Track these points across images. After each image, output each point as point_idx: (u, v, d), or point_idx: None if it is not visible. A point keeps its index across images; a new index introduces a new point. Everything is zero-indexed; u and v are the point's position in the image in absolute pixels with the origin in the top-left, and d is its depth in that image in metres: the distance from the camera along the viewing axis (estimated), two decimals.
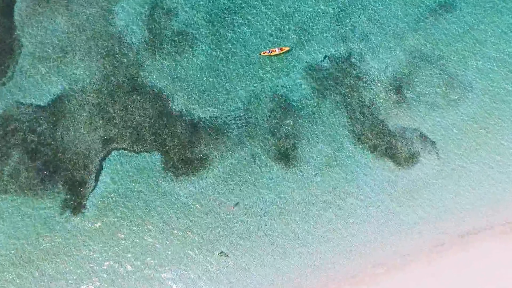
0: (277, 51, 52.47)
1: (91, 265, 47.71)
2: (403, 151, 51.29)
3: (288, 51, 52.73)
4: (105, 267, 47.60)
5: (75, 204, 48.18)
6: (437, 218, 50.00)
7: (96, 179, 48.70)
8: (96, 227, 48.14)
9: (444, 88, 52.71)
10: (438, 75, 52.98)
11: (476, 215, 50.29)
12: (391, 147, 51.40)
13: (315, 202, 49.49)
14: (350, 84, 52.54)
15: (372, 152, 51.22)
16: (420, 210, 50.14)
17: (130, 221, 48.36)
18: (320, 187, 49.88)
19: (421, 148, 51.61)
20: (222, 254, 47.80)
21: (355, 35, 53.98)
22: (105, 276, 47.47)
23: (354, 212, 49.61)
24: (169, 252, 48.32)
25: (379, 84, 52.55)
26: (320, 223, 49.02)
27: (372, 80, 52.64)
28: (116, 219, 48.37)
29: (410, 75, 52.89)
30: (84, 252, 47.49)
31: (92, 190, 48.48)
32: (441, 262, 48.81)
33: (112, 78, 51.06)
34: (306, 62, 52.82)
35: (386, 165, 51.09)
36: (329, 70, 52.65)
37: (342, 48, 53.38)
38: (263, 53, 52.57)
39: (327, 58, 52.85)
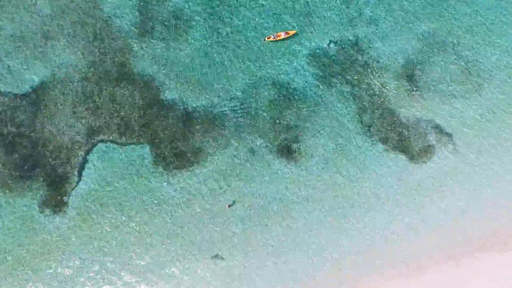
0: (283, 35, 50.14)
1: (73, 267, 45.72)
2: (417, 144, 49.23)
3: (295, 34, 50.42)
4: (89, 270, 45.81)
5: (56, 201, 46.43)
6: (451, 221, 48.26)
7: (80, 175, 46.85)
8: (79, 226, 46.42)
9: (460, 76, 50.61)
10: (454, 62, 50.77)
11: (495, 219, 48.34)
12: (404, 139, 49.35)
13: (319, 200, 48.06)
14: (358, 71, 50.39)
15: (382, 145, 49.22)
16: (434, 212, 48.44)
17: (117, 220, 46.72)
18: (325, 183, 48.29)
19: (436, 141, 49.58)
20: (217, 257, 46.47)
21: (363, 18, 51.60)
22: (89, 279, 45.64)
23: (362, 211, 48.13)
24: (159, 255, 46.63)
25: (389, 72, 50.40)
26: (325, 222, 47.61)
27: (382, 67, 50.45)
28: (101, 218, 46.67)
29: (423, 62, 50.64)
30: (66, 253, 45.84)
31: (75, 186, 46.61)
32: (453, 271, 47.32)
33: (98, 64, 49.02)
34: (309, 47, 50.72)
35: (398, 159, 49.10)
36: (335, 57, 50.60)
37: (349, 32, 51.09)
38: (268, 38, 50.33)
39: (332, 44, 50.70)
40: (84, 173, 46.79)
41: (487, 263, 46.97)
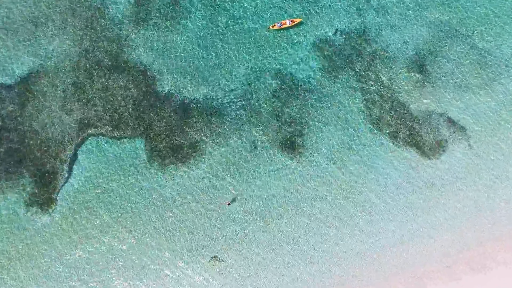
0: (288, 23, 49.28)
1: (59, 271, 43.43)
2: (428, 139, 47.88)
3: (300, 22, 49.48)
4: (76, 274, 43.43)
5: (44, 199, 44.64)
6: (463, 224, 46.36)
7: (70, 170, 45.24)
8: (67, 226, 44.28)
9: (474, 68, 49.43)
10: (467, 53, 49.62)
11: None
12: (414, 134, 47.94)
13: (325, 198, 46.06)
14: (365, 61, 49.17)
15: (392, 140, 47.68)
16: (449, 210, 46.53)
17: (108, 219, 44.65)
18: (331, 180, 46.34)
19: (449, 136, 48.18)
20: (216, 259, 44.51)
21: (371, 6, 50.42)
22: (75, 285, 43.11)
23: (370, 210, 46.09)
24: (153, 257, 44.35)
25: (399, 63, 49.28)
26: (331, 223, 45.67)
27: (391, 57, 49.29)
28: (91, 217, 44.63)
29: (435, 51, 49.71)
30: (52, 255, 43.59)
31: (65, 182, 44.96)
32: (469, 279, 45.29)
33: (90, 54, 47.84)
34: (315, 36, 49.47)
35: (409, 155, 47.50)
36: (342, 46, 49.37)
37: (356, 21, 49.99)
38: (272, 27, 49.31)
39: (339, 33, 49.56)
40: (74, 168, 45.26)
41: (505, 271, 45.03)
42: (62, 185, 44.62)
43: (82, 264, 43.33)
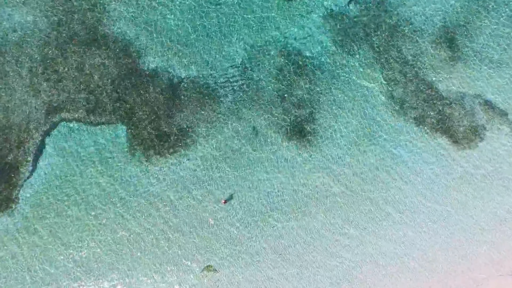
0: None
1: (22, 279, 39.38)
2: (462, 124, 45.35)
3: None
4: (43, 285, 39.40)
5: (3, 196, 41.74)
6: (506, 223, 42.84)
7: (35, 162, 42.64)
8: (31, 228, 40.93)
9: None
10: (506, 24, 47.36)
11: None
12: (445, 119, 45.49)
13: (338, 195, 42.92)
14: (385, 36, 47.08)
15: (418, 126, 45.32)
16: (486, 212, 43.03)
17: (81, 222, 41.33)
18: (346, 174, 43.81)
19: (487, 121, 45.50)
20: (209, 269, 41.18)
21: None
22: None
23: (393, 211, 42.79)
24: (134, 265, 40.78)
25: (425, 36, 47.21)
26: (346, 227, 42.31)
27: (415, 30, 47.14)
28: (60, 218, 41.33)
29: (467, 24, 47.61)
30: (13, 263, 39.84)
31: (29, 177, 42.28)
32: None
33: (63, 26, 45.78)
34: (326, 6, 47.58)
35: (438, 143, 44.97)
36: (357, 18, 47.32)
37: None
38: None
39: (353, 2, 47.54)
40: (40, 160, 42.70)
41: None
42: (25, 181, 41.67)
43: (40, 282, 38.95)
